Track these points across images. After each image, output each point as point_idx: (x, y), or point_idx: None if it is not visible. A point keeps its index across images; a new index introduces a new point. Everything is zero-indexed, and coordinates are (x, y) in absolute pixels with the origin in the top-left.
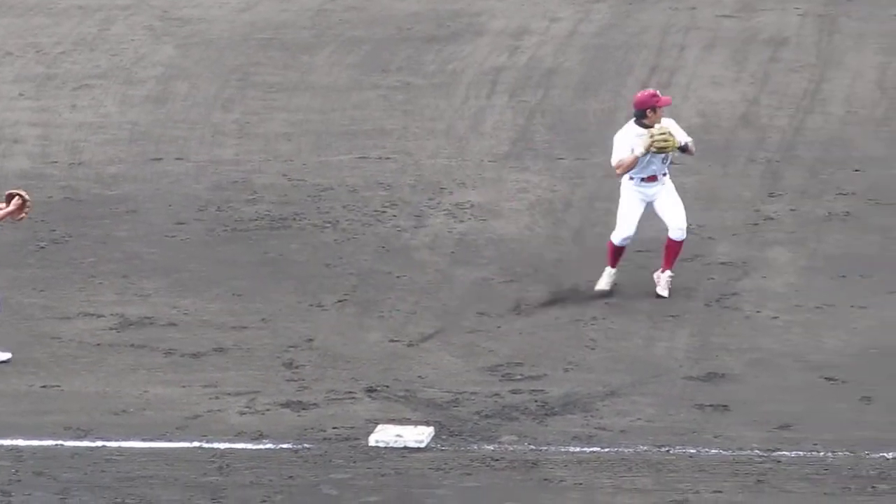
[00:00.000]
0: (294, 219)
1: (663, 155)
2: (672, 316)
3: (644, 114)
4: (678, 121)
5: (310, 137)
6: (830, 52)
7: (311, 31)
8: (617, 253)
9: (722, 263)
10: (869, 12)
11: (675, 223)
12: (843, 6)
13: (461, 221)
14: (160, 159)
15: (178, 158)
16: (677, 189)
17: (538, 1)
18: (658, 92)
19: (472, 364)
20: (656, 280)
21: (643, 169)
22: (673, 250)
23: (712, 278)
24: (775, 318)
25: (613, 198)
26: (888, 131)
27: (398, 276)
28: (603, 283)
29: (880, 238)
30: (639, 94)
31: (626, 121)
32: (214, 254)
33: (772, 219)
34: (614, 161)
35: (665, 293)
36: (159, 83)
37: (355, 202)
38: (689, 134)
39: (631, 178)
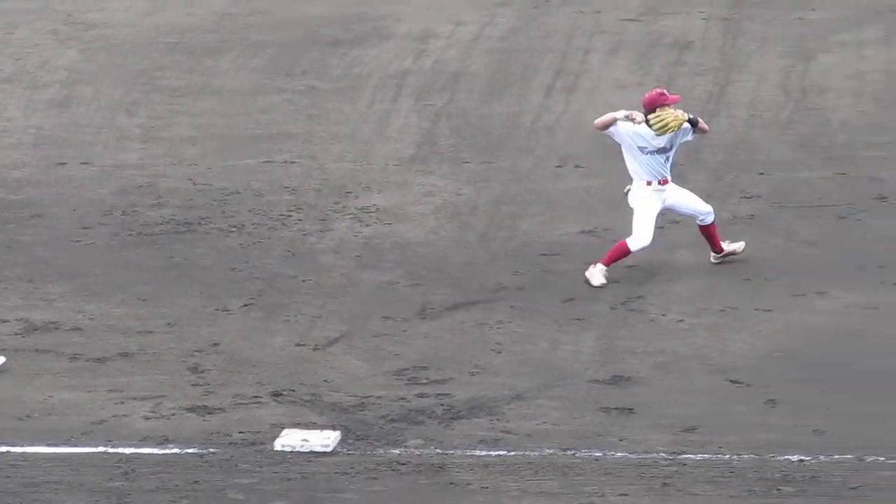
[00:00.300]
0: (200, 223)
1: (666, 156)
2: (578, 319)
3: (654, 112)
4: (581, 126)
5: (215, 142)
6: (735, 56)
7: (216, 34)
8: (622, 256)
9: (628, 267)
10: (773, 16)
11: (702, 209)
12: (748, 10)
13: (367, 225)
14: (65, 164)
15: (82, 163)
16: (581, 193)
17: (443, 5)
18: (665, 91)
19: (378, 368)
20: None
21: (656, 172)
22: (711, 232)
23: (618, 281)
24: (680, 321)
25: (518, 201)
26: (793, 135)
27: (304, 281)
28: (601, 279)
29: (784, 241)
30: (647, 94)
31: (532, 124)
32: (120, 258)
33: (677, 222)
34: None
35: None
36: (64, 87)
37: (261, 206)
38: (592, 136)
39: (649, 184)
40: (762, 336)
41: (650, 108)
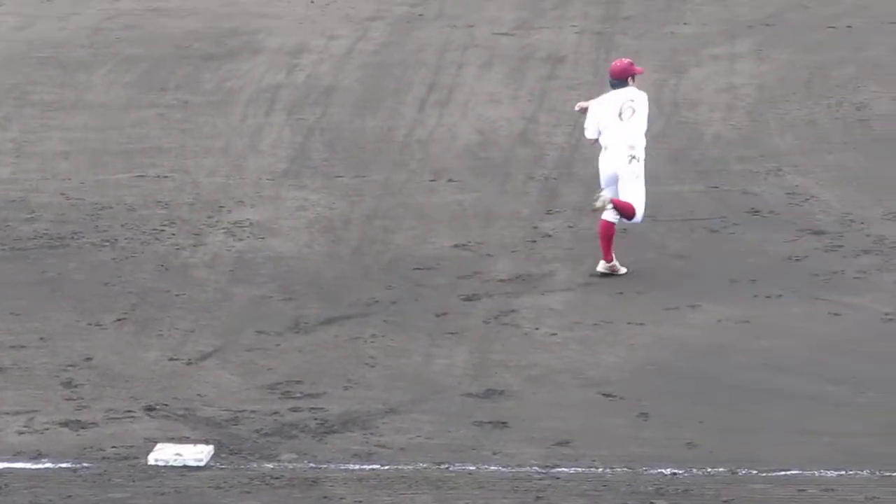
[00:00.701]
0: (72, 237)
1: None
2: (451, 333)
3: (626, 83)
4: (455, 140)
5: (87, 156)
6: (607, 70)
7: (89, 49)
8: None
9: (500, 280)
10: (645, 30)
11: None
12: (620, 24)
13: (240, 239)
14: None
15: None
16: (455, 207)
17: (316, 19)
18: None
19: (251, 382)
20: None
21: None
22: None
23: (491, 295)
24: (553, 334)
25: (391, 215)
26: (665, 148)
27: (177, 295)
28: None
29: (657, 255)
30: (617, 63)
31: (406, 138)
32: None
33: (550, 236)
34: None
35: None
36: None
37: (133, 221)
38: (467, 151)
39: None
40: (635, 349)
41: (622, 78)
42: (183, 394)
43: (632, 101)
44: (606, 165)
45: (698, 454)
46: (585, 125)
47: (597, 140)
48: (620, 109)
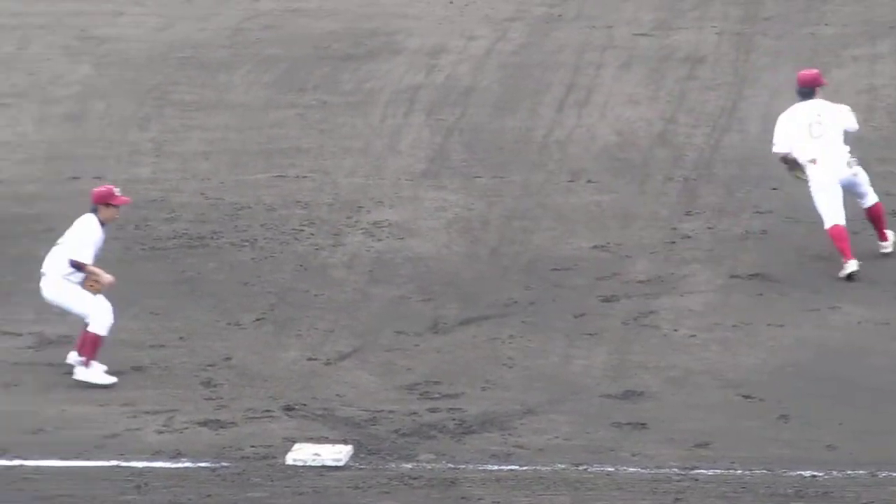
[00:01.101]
0: (212, 237)
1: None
2: (589, 334)
3: (813, 92)
4: (593, 140)
5: (227, 156)
6: (747, 70)
7: (229, 49)
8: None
9: (640, 282)
10: (784, 30)
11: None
12: (760, 24)
13: (379, 240)
14: (77, 178)
15: (95, 177)
16: (593, 208)
17: (455, 20)
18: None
19: (390, 382)
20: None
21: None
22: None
23: (630, 296)
24: (693, 336)
25: (530, 216)
26: None
27: (316, 295)
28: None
29: (796, 256)
30: (804, 73)
31: (544, 139)
32: (132, 272)
33: (689, 237)
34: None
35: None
36: (76, 102)
37: (273, 221)
38: (606, 152)
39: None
40: (774, 351)
41: (811, 87)
42: (322, 394)
43: (818, 115)
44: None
45: (838, 456)
46: (773, 140)
47: (786, 156)
48: (810, 125)
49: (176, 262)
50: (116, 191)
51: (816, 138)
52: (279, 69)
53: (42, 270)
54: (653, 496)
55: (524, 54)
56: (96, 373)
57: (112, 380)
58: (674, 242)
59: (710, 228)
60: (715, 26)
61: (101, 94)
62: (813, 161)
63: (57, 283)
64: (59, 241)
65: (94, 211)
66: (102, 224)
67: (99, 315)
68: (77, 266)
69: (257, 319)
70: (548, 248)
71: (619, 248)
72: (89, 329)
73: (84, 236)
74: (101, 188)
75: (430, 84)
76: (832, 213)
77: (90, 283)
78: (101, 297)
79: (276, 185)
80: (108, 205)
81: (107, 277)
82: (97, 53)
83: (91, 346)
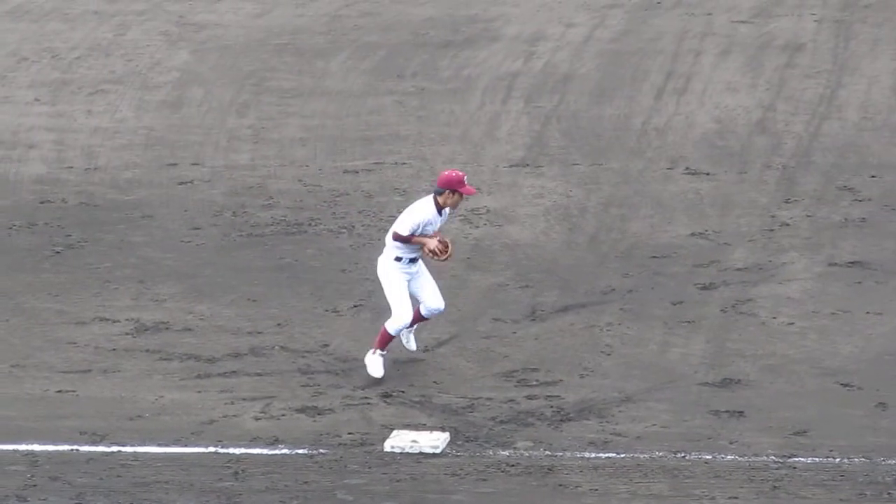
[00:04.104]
0: (310, 224)
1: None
2: (687, 322)
3: (442, 192)
4: (692, 128)
5: (325, 143)
6: (846, 58)
7: (327, 36)
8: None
9: (738, 269)
10: (884, 18)
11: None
12: (860, 12)
13: (476, 227)
14: (176, 164)
15: (193, 164)
16: (692, 195)
17: (553, 7)
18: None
19: (488, 370)
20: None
21: (414, 251)
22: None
23: (728, 284)
24: (791, 323)
25: (628, 203)
26: None
27: None
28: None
29: (895, 244)
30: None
31: (643, 126)
32: (230, 259)
33: (788, 225)
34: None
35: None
36: (175, 88)
37: (371, 208)
38: (705, 139)
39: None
40: (873, 339)
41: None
42: (419, 381)
43: None
44: None
45: None
46: None
47: None
48: None
49: (273, 248)
50: (465, 179)
51: None
52: (377, 56)
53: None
54: (750, 484)
55: (623, 41)
56: (374, 361)
57: (379, 373)
58: (772, 230)
59: (808, 216)
60: (814, 14)
61: (200, 81)
62: None
63: (383, 263)
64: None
65: (438, 193)
66: (441, 208)
67: (396, 315)
68: (399, 238)
69: (355, 306)
70: (646, 235)
71: (718, 236)
72: (385, 323)
73: (414, 214)
74: (451, 173)
75: (528, 71)
76: None
77: (427, 253)
78: (407, 300)
79: (374, 172)
80: (454, 191)
81: (432, 243)
82: (195, 40)
83: (382, 339)
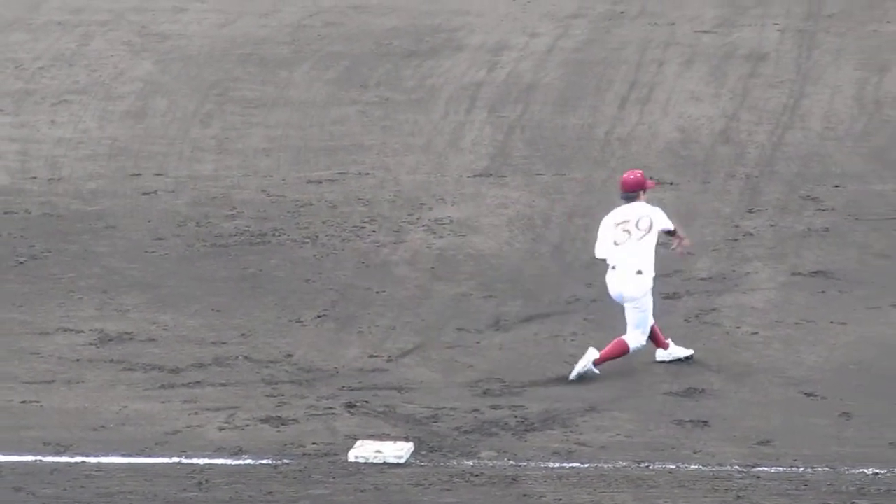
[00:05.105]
0: (273, 234)
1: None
2: None
3: (637, 196)
4: (655, 138)
5: (289, 153)
6: (809, 68)
7: (290, 46)
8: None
9: (702, 279)
10: (847, 28)
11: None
12: (823, 22)
13: (440, 237)
14: (139, 175)
15: (157, 174)
16: (656, 205)
17: (517, 17)
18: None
19: (452, 379)
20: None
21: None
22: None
23: (692, 294)
24: (755, 333)
25: (592, 213)
26: (867, 147)
27: (377, 292)
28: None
29: (859, 254)
30: (636, 177)
31: (606, 136)
32: (194, 269)
33: (751, 234)
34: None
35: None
36: (138, 99)
37: (334, 218)
38: (668, 149)
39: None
40: (836, 349)
41: (632, 191)
42: (383, 391)
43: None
44: None
45: None
46: None
47: None
48: None
49: (237, 258)
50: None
51: None
52: (341, 66)
53: (612, 264)
54: (714, 494)
55: (586, 51)
56: (588, 365)
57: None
58: (736, 240)
59: (772, 226)
60: (777, 24)
61: (163, 91)
62: None
63: (646, 284)
64: (623, 236)
65: (636, 197)
66: None
67: (642, 334)
68: (670, 231)
69: (319, 316)
70: None
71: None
72: (625, 338)
73: (661, 212)
74: (635, 175)
75: (491, 81)
76: None
77: (677, 245)
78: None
79: (337, 182)
80: (644, 189)
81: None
82: (159, 50)
83: (614, 354)
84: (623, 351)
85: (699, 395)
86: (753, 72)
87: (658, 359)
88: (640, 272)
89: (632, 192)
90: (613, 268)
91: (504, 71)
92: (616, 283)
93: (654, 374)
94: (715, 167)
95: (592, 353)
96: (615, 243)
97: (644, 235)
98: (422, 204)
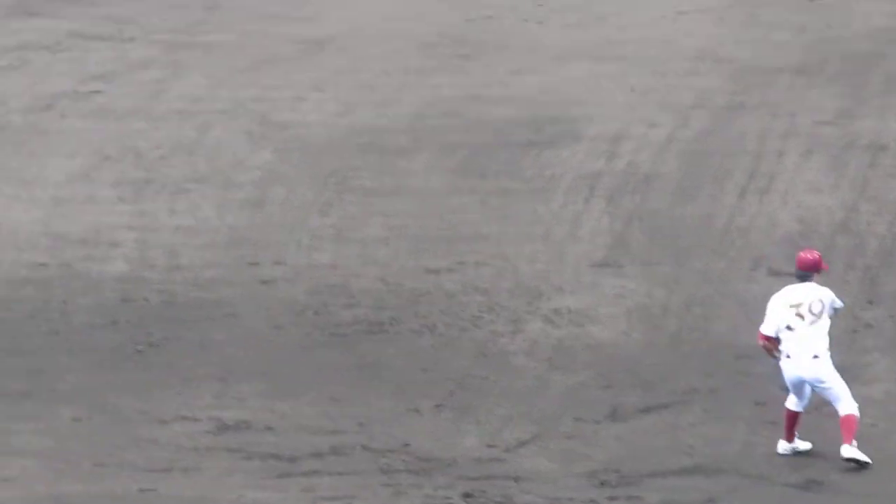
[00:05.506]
0: (391, 323)
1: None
2: (771, 422)
3: (811, 276)
4: (774, 228)
5: (407, 242)
6: None
7: (409, 135)
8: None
9: None
10: None
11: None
12: None
13: (559, 327)
14: (257, 263)
15: (275, 263)
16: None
17: (636, 107)
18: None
19: (569, 470)
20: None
21: None
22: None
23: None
24: (874, 425)
25: (710, 303)
26: None
27: (495, 381)
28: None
29: None
30: (806, 255)
31: (725, 226)
32: (311, 358)
33: (871, 326)
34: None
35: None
36: (257, 187)
37: (452, 307)
38: (787, 239)
39: None
40: None
41: (808, 271)
42: (501, 481)
43: None
44: None
45: None
46: None
47: None
48: None
49: (355, 347)
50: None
51: None
52: (459, 155)
53: (800, 352)
54: None
55: (705, 141)
56: (856, 452)
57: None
58: (855, 331)
59: (891, 317)
60: None
61: (282, 180)
62: None
63: (816, 364)
64: (796, 320)
65: (809, 277)
66: None
67: (849, 397)
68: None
69: (436, 406)
70: (728, 335)
71: None
72: (850, 412)
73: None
74: (813, 255)
75: (610, 170)
76: None
77: None
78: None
79: (456, 272)
80: (819, 271)
81: None
82: (278, 139)
83: (853, 429)
84: (855, 422)
85: (818, 486)
86: (873, 162)
87: (779, 451)
88: (816, 356)
89: (807, 272)
90: (788, 356)
91: (622, 161)
92: (792, 370)
93: (773, 466)
94: (834, 258)
95: (844, 449)
96: (788, 328)
97: (816, 320)
98: (540, 293)
